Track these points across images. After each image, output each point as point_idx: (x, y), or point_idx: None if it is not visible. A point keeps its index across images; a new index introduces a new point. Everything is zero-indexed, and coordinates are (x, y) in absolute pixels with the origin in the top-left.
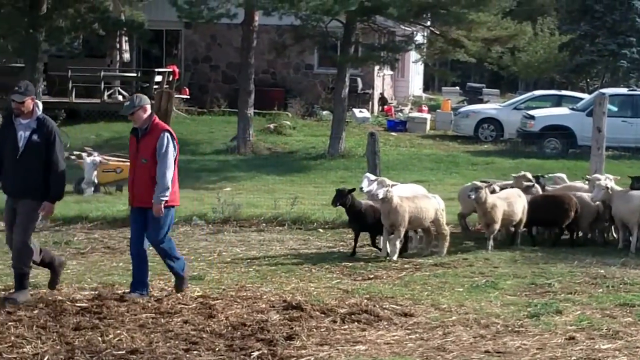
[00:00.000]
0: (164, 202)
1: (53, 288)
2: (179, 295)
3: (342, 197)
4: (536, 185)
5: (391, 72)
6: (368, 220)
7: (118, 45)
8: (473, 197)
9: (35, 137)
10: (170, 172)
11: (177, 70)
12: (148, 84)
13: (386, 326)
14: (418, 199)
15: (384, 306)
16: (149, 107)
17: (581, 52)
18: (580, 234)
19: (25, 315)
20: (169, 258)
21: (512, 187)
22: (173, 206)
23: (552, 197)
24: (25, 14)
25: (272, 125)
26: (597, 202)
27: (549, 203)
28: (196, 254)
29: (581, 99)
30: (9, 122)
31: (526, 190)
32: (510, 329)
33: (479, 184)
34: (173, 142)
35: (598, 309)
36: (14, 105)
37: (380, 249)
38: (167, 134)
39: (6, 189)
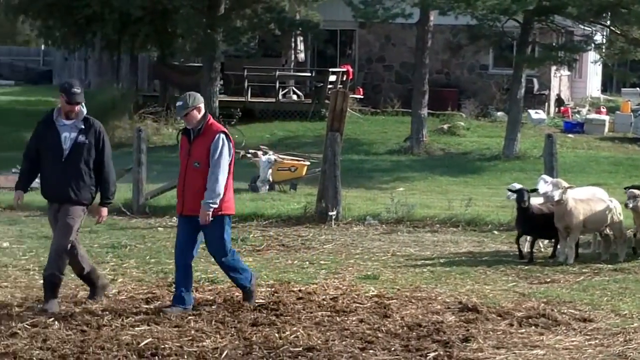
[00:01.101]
0: (212, 210)
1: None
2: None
3: (525, 195)
4: None
5: (568, 73)
6: (536, 223)
7: (293, 45)
8: (631, 206)
9: (82, 138)
10: (224, 177)
11: (351, 70)
12: (322, 84)
13: (564, 331)
14: (593, 202)
15: (562, 311)
16: (203, 106)
17: None
18: None
19: (204, 309)
20: (234, 271)
21: None
22: (228, 215)
23: None
24: (203, 15)
25: (445, 126)
26: None
27: None
28: (370, 253)
29: None
30: (49, 124)
31: None
32: None
33: (637, 192)
34: (229, 145)
35: None
36: (68, 107)
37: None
38: (222, 135)
39: (49, 195)
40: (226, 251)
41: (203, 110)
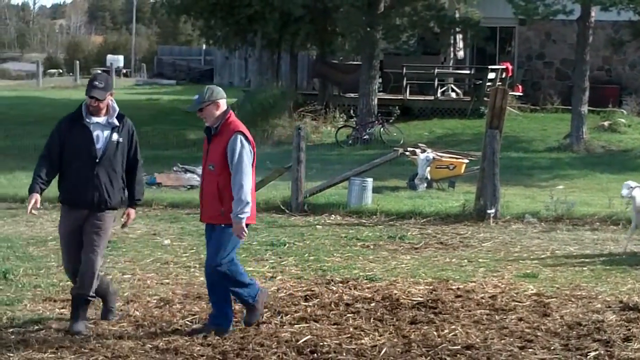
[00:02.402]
0: (243, 221)
1: (105, 319)
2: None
3: None
4: None
5: None
6: None
7: (452, 43)
8: None
9: (117, 136)
10: (249, 183)
11: (510, 67)
12: (481, 81)
13: None
14: None
15: None
16: (223, 102)
17: None
18: None
19: (362, 307)
20: (233, 284)
21: None
22: (246, 225)
23: None
24: (363, 13)
25: (606, 123)
26: None
27: None
28: (529, 251)
29: None
30: (77, 122)
31: None
32: None
33: None
34: (248, 146)
35: None
36: (93, 102)
37: None
38: (239, 136)
39: (77, 200)
40: (219, 261)
41: (223, 107)
